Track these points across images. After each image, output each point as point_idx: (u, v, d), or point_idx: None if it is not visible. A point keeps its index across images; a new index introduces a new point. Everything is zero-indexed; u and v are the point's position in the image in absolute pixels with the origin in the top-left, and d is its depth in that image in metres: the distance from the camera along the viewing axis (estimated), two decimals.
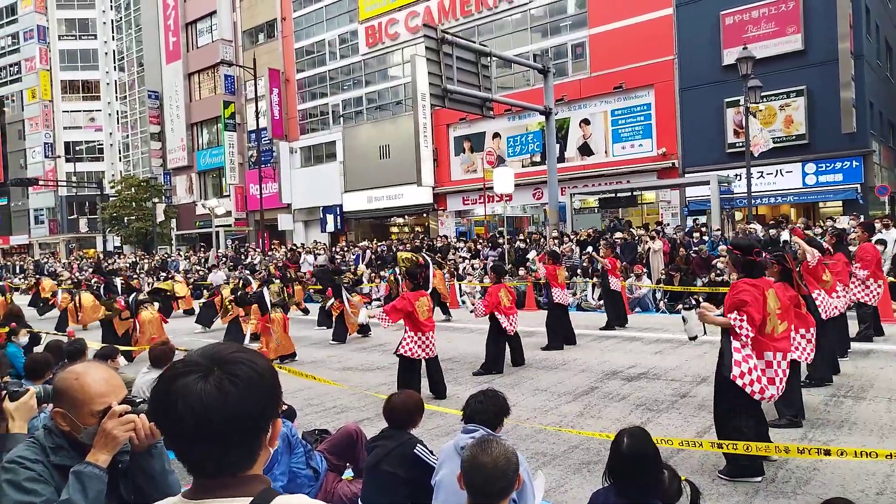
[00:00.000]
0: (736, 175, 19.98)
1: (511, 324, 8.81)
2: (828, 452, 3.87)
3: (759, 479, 4.54)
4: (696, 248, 15.61)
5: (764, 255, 5.36)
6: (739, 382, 4.48)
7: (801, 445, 4.62)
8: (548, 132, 20.83)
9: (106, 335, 11.73)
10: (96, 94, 56.19)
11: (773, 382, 4.60)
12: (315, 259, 23.26)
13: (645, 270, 15.40)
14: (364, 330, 12.63)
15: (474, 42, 20.09)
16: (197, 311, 16.59)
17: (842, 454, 3.80)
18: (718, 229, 16.95)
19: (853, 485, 4.42)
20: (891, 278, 11.66)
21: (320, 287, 15.99)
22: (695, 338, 4.91)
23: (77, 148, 53.80)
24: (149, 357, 5.38)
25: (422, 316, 7.33)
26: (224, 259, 27.30)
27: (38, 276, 26.20)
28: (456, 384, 8.03)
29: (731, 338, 4.59)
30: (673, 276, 14.55)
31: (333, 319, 12.84)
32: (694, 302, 5.02)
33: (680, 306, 5.08)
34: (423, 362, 7.48)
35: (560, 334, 10.20)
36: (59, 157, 53.39)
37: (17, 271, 37.72)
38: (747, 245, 4.82)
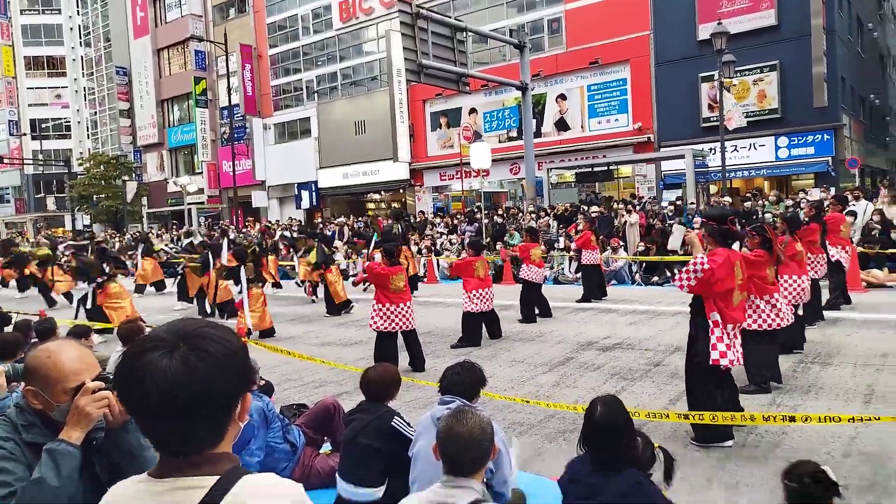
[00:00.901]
0: (710, 149, 20.18)
1: (483, 300, 8.72)
2: (793, 419, 3.99)
3: (730, 443, 4.65)
4: (672, 221, 15.77)
5: (741, 225, 5.43)
6: (723, 363, 4.54)
7: (766, 413, 4.75)
8: (524, 107, 20.77)
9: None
10: (62, 71, 54.70)
11: (730, 349, 4.65)
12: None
13: (621, 244, 15.55)
14: (346, 305, 12.64)
15: (450, 17, 19.89)
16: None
17: (806, 420, 3.92)
18: (693, 202, 17.14)
19: (820, 447, 4.55)
20: (860, 248, 11.94)
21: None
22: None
23: (43, 125, 52.49)
24: (117, 335, 5.32)
25: (394, 289, 7.34)
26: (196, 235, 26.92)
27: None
28: (434, 357, 8.07)
29: (706, 317, 4.61)
30: (649, 249, 14.72)
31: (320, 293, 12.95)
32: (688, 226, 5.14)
33: (675, 221, 5.15)
34: (401, 335, 7.48)
35: (531, 307, 10.29)
36: (24, 134, 52.02)
37: None
38: (720, 214, 4.88)
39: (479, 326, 8.87)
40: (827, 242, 8.92)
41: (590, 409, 2.99)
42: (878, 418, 3.84)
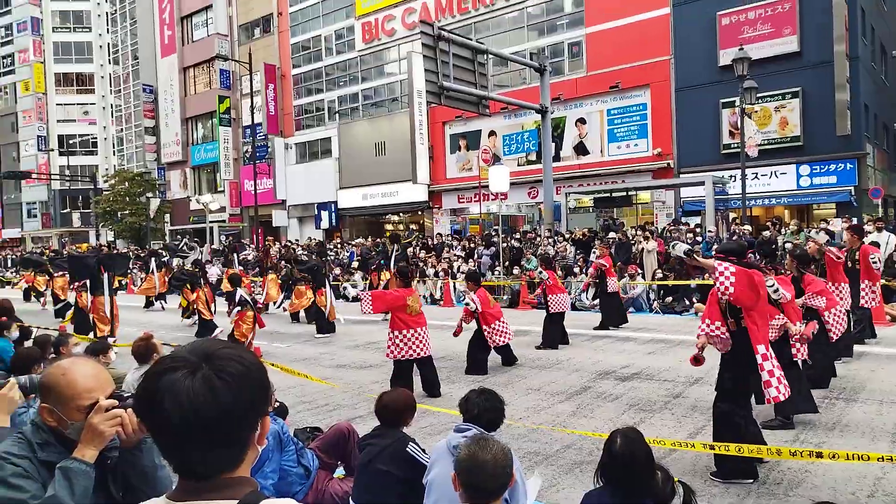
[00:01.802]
0: (731, 176, 20.01)
1: (497, 333, 8.54)
2: (820, 455, 3.88)
3: (752, 481, 4.53)
4: (692, 249, 15.62)
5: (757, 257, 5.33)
6: (780, 396, 4.48)
7: (793, 448, 4.62)
8: (543, 131, 20.85)
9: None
10: (90, 88, 55.89)
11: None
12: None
13: (639, 271, 15.42)
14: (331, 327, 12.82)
15: (471, 39, 20.09)
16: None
17: (834, 457, 3.80)
18: (712, 230, 16.99)
19: (844, 487, 4.42)
20: (883, 281, 11.72)
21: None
22: (678, 258, 4.96)
23: (70, 141, 53.55)
24: (132, 353, 5.33)
25: (412, 311, 7.29)
26: (219, 253, 27.21)
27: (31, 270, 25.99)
28: (449, 383, 8.01)
29: (754, 346, 4.48)
30: (667, 277, 14.58)
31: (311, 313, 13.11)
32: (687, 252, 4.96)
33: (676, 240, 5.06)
34: (416, 363, 7.39)
35: (554, 336, 10.16)
36: (52, 150, 53.08)
37: (9, 265, 37.49)
38: (738, 249, 4.76)
39: (485, 355, 8.72)
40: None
41: (609, 441, 2.94)
42: None
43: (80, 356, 2.84)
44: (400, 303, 7.28)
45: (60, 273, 17.16)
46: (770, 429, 5.58)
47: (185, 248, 19.35)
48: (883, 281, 11.66)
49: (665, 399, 6.89)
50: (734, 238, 15.40)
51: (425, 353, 7.36)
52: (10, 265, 37.38)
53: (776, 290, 5.03)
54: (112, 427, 1.88)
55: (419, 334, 7.29)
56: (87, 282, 11.74)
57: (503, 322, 8.69)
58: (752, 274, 4.44)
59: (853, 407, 6.30)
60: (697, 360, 4.80)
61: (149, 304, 18.55)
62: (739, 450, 4.18)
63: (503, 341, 8.64)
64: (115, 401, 1.91)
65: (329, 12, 32.75)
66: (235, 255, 17.46)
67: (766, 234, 14.98)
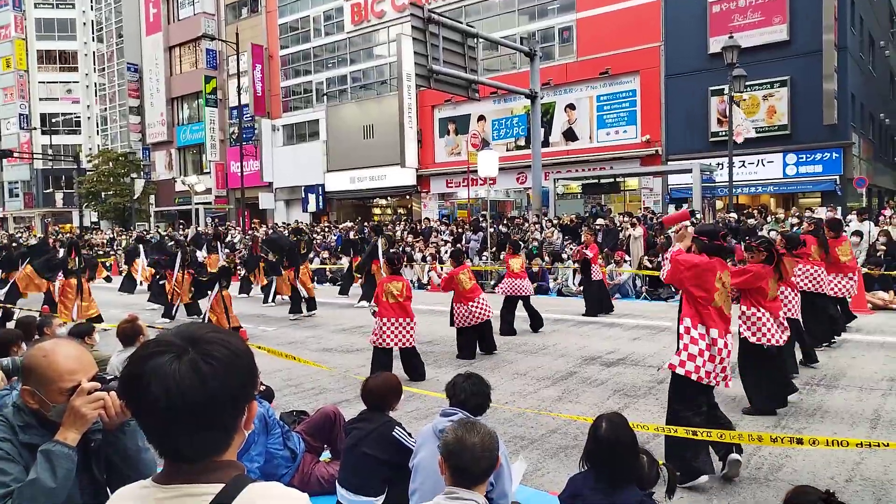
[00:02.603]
0: (718, 164, 20.12)
1: (472, 313, 8.51)
2: (800, 441, 3.93)
3: (705, 478, 4.30)
4: (686, 206, 15.70)
5: (747, 240, 5.37)
6: (681, 371, 4.39)
7: (774, 434, 4.69)
8: (533, 116, 20.80)
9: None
10: (74, 66, 54.99)
11: (713, 361, 4.41)
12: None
13: (626, 257, 15.49)
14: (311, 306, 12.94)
15: (461, 23, 19.94)
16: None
17: (814, 443, 3.86)
18: (699, 217, 17.08)
19: (823, 472, 4.50)
20: (865, 269, 11.87)
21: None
22: (660, 225, 4.98)
23: (53, 120, 52.76)
24: (117, 335, 5.28)
25: (389, 299, 7.31)
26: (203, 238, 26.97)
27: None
28: (436, 367, 8.03)
29: (681, 319, 4.57)
30: (652, 263, 14.67)
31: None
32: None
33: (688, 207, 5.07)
34: (398, 352, 7.42)
35: (508, 320, 10.08)
36: (34, 129, 52.28)
37: None
38: (712, 230, 4.84)
39: (471, 338, 8.70)
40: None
41: (594, 426, 2.97)
42: (888, 444, 3.77)
43: (64, 338, 2.82)
44: (377, 290, 7.35)
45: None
46: (750, 414, 5.68)
47: (165, 240, 19.19)
48: (865, 270, 11.82)
49: (649, 384, 6.96)
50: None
51: (404, 344, 7.31)
52: None
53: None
54: (95, 410, 1.87)
55: (399, 324, 7.29)
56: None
57: (481, 301, 8.62)
58: (700, 265, 4.44)
59: (833, 393, 6.39)
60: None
61: (128, 288, 18.40)
62: (721, 436, 4.22)
63: (482, 318, 8.55)
64: (97, 383, 1.90)
65: None
66: (220, 242, 17.29)
67: (752, 221, 15.10)
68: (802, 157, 20.28)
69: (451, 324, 8.96)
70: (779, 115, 20.40)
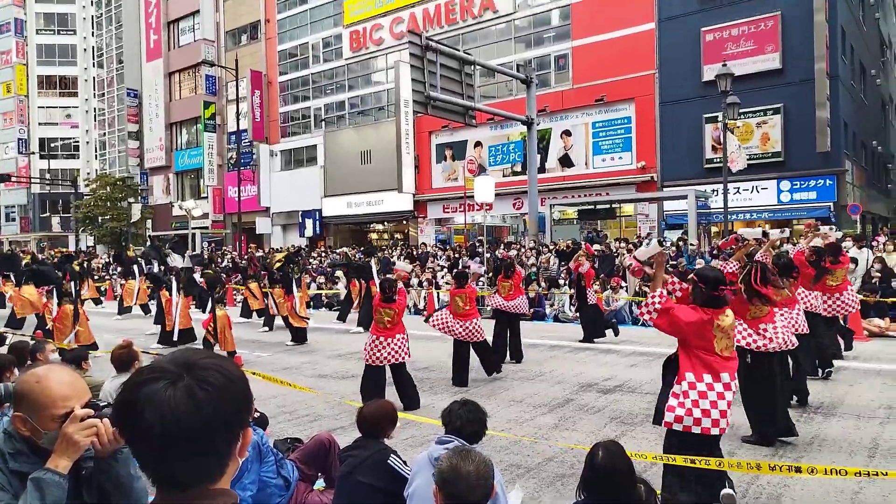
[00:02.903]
0: (713, 190, 20.25)
1: (465, 330, 8.55)
2: (798, 469, 3.91)
3: None
4: (675, 262, 15.75)
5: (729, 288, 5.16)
6: (678, 427, 4.18)
7: (772, 462, 4.65)
8: (529, 142, 20.96)
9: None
10: (74, 91, 55.37)
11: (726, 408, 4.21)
12: None
13: (623, 283, 15.49)
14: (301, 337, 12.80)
15: (458, 50, 20.18)
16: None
17: (812, 471, 3.84)
18: (694, 243, 17.14)
19: (822, 501, 4.46)
20: (861, 296, 11.87)
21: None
22: (632, 261, 4.72)
23: (52, 144, 52.94)
24: (111, 361, 5.24)
25: (385, 317, 7.31)
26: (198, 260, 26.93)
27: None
28: (432, 393, 7.98)
29: (670, 372, 4.38)
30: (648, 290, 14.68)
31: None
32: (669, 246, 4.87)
33: (653, 237, 4.82)
34: (389, 370, 7.39)
35: (498, 347, 9.79)
36: (33, 153, 52.43)
37: None
38: (714, 278, 4.42)
39: (465, 363, 8.67)
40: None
41: (591, 454, 2.94)
42: (886, 474, 3.75)
43: (56, 364, 2.79)
44: (373, 313, 7.43)
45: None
46: (749, 443, 5.64)
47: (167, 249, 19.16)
48: (861, 297, 11.83)
49: (647, 412, 6.90)
50: (711, 253, 15.56)
51: (393, 360, 7.31)
52: None
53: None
54: (87, 437, 1.85)
55: (390, 342, 7.29)
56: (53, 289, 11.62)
57: (476, 322, 8.65)
58: (700, 322, 4.22)
59: (831, 421, 6.36)
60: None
61: (124, 311, 18.33)
62: (720, 464, 4.18)
63: (468, 338, 8.58)
64: (90, 410, 1.88)
65: (317, 20, 32.78)
66: (213, 264, 17.32)
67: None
68: (797, 184, 20.43)
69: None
70: (772, 142, 20.60)
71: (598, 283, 12.59)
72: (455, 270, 12.91)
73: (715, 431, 4.13)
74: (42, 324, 13.71)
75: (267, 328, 14.71)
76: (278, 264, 13.62)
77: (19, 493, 1.82)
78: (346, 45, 31.15)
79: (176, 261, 19.90)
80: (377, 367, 7.33)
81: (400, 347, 7.35)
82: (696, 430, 4.12)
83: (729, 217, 18.36)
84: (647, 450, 5.54)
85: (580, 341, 11.70)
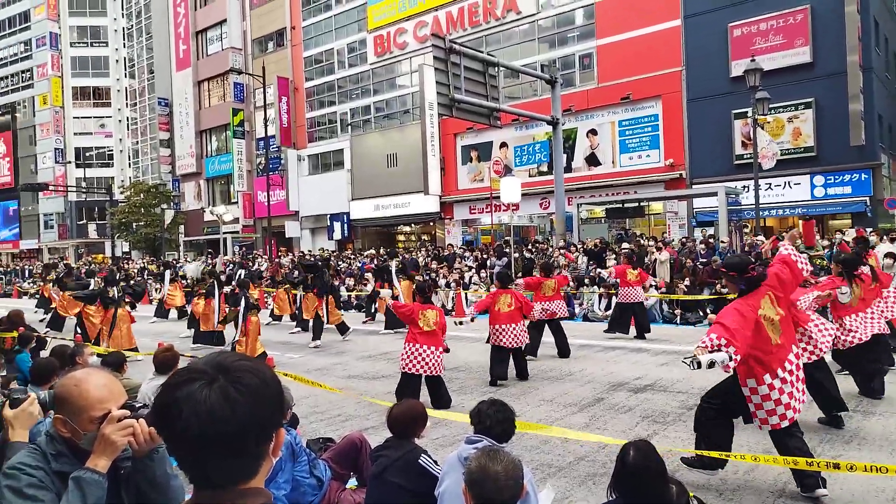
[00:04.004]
0: (744, 187, 19.92)
1: (507, 336, 8.54)
2: (837, 466, 3.83)
3: (717, 472, 4.68)
4: (706, 259, 15.56)
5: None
6: (767, 425, 4.45)
7: (809, 459, 4.55)
8: (555, 142, 20.86)
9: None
10: (107, 101, 56.65)
11: (793, 397, 4.39)
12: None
13: (653, 280, 15.31)
14: (343, 329, 13.14)
15: (482, 52, 20.19)
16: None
17: (851, 468, 3.75)
18: (725, 240, 16.88)
19: (862, 500, 4.36)
20: None
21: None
22: (712, 364, 4.47)
23: (87, 154, 54.21)
24: (153, 362, 5.38)
25: (425, 327, 7.27)
26: (231, 265, 27.37)
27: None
28: (461, 393, 7.99)
29: (742, 380, 4.50)
30: (678, 287, 14.50)
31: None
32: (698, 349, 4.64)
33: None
34: (423, 378, 7.33)
35: (531, 345, 9.90)
36: (69, 162, 53.79)
37: (27, 275, 37.90)
38: (740, 263, 4.53)
39: (504, 366, 8.65)
40: None
41: (622, 454, 2.92)
42: None
43: (94, 367, 2.87)
44: (414, 316, 7.26)
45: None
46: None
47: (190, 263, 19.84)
48: None
49: (679, 411, 6.83)
50: (744, 251, 15.32)
51: (430, 371, 7.23)
52: (27, 276, 37.77)
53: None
54: (124, 437, 1.90)
55: (425, 352, 7.18)
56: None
57: (511, 326, 8.61)
58: (745, 315, 4.27)
59: (871, 419, 6.21)
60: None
61: (162, 314, 18.69)
62: (756, 459, 4.12)
63: (512, 344, 8.56)
64: (127, 411, 1.93)
65: (341, 26, 33.06)
66: (243, 270, 17.68)
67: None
68: (830, 179, 19.98)
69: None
70: (804, 137, 20.19)
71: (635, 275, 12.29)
72: (498, 271, 12.96)
73: (784, 424, 4.38)
74: (81, 326, 14.11)
75: (300, 329, 14.83)
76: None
77: (61, 493, 1.87)
78: (371, 50, 31.36)
79: (190, 270, 20.39)
80: (412, 376, 7.25)
81: (436, 359, 7.23)
82: (766, 428, 4.46)
83: (761, 213, 18.04)
84: (679, 448, 5.48)
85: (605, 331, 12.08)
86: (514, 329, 8.62)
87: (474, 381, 8.70)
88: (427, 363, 7.21)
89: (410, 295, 9.88)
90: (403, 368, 7.29)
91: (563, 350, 10.17)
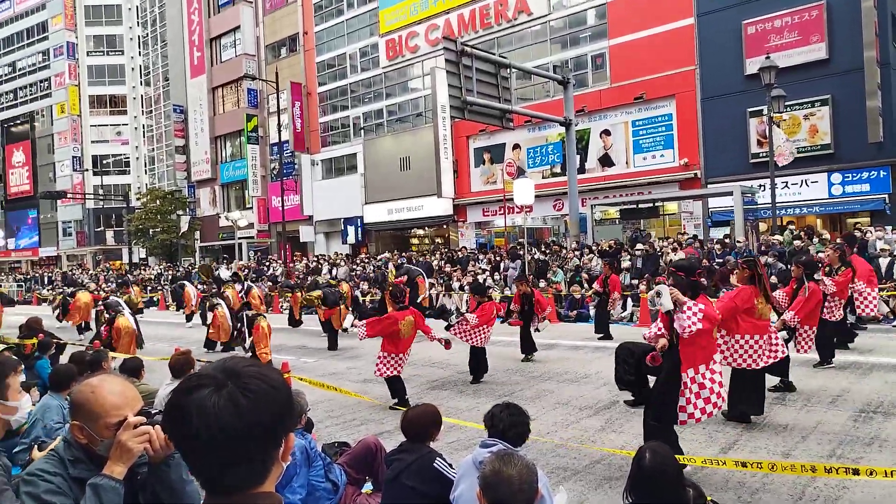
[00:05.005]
0: (760, 185, 19.72)
1: (472, 337, 8.87)
2: (856, 472, 3.77)
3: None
4: (722, 260, 15.42)
5: (735, 260, 5.62)
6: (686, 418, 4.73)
7: (828, 464, 4.51)
8: (568, 143, 20.79)
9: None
10: (123, 109, 57.32)
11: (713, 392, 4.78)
12: (333, 270, 23.37)
13: (667, 282, 15.20)
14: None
15: (494, 54, 20.16)
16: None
17: (871, 473, 3.70)
18: (741, 240, 16.72)
19: None
20: None
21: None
22: (669, 312, 4.63)
23: (104, 161, 54.84)
24: (169, 366, 5.43)
25: (404, 334, 7.52)
26: (247, 270, 27.56)
27: (72, 290, 26.51)
28: (476, 396, 7.98)
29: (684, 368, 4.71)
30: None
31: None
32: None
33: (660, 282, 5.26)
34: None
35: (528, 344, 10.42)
36: (86, 170, 54.45)
37: (46, 282, 38.42)
38: (689, 266, 4.89)
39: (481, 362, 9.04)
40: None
41: (638, 457, 2.90)
42: None
43: (109, 374, 2.90)
44: (394, 328, 7.48)
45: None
46: (730, 419, 6.07)
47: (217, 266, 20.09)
48: None
49: None
50: (760, 250, 15.16)
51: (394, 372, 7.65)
52: (46, 283, 38.28)
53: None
54: (140, 443, 1.91)
55: (402, 359, 7.66)
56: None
57: (484, 328, 8.92)
58: (706, 306, 4.70)
59: (892, 421, 6.11)
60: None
61: (188, 318, 18.91)
62: (773, 467, 4.08)
63: (477, 343, 8.88)
64: (143, 418, 1.94)
65: (353, 31, 33.21)
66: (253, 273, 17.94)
67: (798, 243, 14.69)
68: (848, 177, 19.73)
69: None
70: (821, 135, 19.95)
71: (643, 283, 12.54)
72: (471, 284, 13.16)
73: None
74: (99, 334, 14.27)
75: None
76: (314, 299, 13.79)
77: (79, 499, 1.89)
78: (383, 54, 31.46)
79: (223, 273, 20.56)
80: (395, 378, 7.67)
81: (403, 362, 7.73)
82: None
83: (778, 212, 17.86)
84: (696, 452, 5.43)
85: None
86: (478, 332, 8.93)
87: (488, 385, 8.68)
88: (399, 366, 7.64)
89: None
90: (383, 374, 7.59)
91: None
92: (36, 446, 2.36)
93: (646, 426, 4.92)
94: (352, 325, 13.01)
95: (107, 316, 11.33)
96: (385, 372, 7.52)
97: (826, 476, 4.23)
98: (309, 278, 17.39)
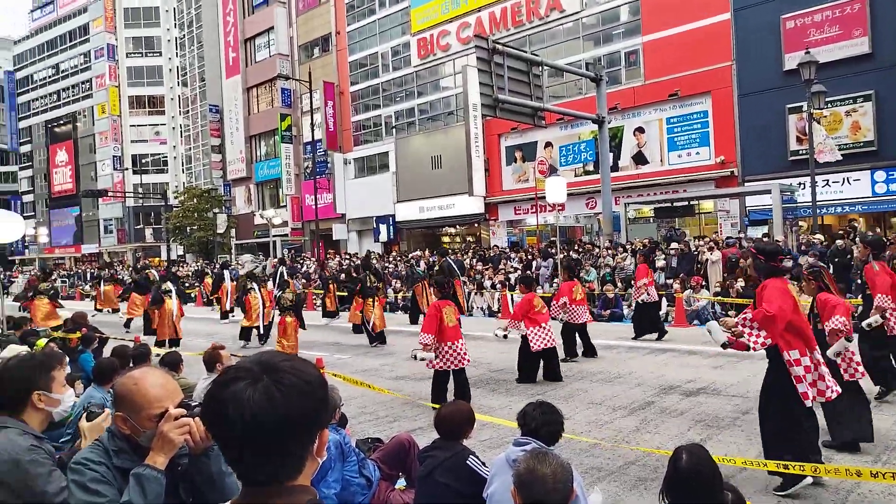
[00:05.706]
0: (800, 183, 19.24)
1: (540, 338, 8.53)
2: None
3: (809, 480, 4.39)
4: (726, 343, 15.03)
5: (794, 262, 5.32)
6: (808, 399, 4.44)
7: (874, 469, 4.37)
8: (601, 141, 20.58)
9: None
10: (161, 109, 58.58)
11: (823, 379, 4.52)
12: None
13: (703, 282, 14.95)
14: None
15: (525, 51, 20.04)
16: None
17: None
18: (780, 239, 16.34)
19: None
20: None
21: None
22: (725, 345, 4.53)
23: (143, 160, 56.16)
24: (203, 360, 5.56)
25: (448, 322, 7.42)
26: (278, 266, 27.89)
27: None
28: (508, 395, 7.95)
29: (780, 349, 4.48)
30: (731, 288, 14.10)
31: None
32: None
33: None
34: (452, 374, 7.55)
35: (570, 346, 10.16)
36: (126, 169, 55.80)
37: (88, 278, 39.43)
38: (773, 250, 4.64)
39: (535, 365, 8.74)
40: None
41: (674, 458, 2.86)
42: None
43: (150, 366, 2.97)
44: (437, 315, 7.45)
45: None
46: (831, 448, 5.31)
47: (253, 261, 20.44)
48: None
49: (734, 415, 6.64)
50: (800, 250, 14.81)
51: (457, 365, 7.49)
52: (89, 279, 39.29)
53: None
54: (181, 435, 1.95)
55: (449, 348, 7.43)
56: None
57: (545, 328, 8.61)
58: (781, 288, 4.44)
59: None
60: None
61: (224, 315, 19.24)
62: (815, 470, 3.98)
63: (541, 346, 8.52)
64: (183, 409, 1.98)
65: (385, 30, 33.37)
66: (284, 267, 18.28)
67: (840, 242, 14.30)
68: (893, 174, 19.13)
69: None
70: (864, 131, 19.38)
71: (678, 282, 12.26)
72: (520, 275, 12.88)
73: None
74: (148, 328, 14.73)
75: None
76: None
77: (122, 488, 1.94)
78: (415, 53, 31.55)
79: (247, 266, 20.91)
80: (441, 372, 7.52)
81: (460, 353, 7.50)
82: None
83: (818, 211, 17.42)
84: (735, 454, 5.33)
85: (633, 338, 11.84)
86: (541, 331, 8.64)
87: (520, 384, 8.64)
88: (451, 358, 7.44)
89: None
90: (430, 366, 7.49)
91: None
92: (85, 415, 2.44)
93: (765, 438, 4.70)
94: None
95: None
96: (436, 363, 7.46)
97: (872, 481, 4.11)
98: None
